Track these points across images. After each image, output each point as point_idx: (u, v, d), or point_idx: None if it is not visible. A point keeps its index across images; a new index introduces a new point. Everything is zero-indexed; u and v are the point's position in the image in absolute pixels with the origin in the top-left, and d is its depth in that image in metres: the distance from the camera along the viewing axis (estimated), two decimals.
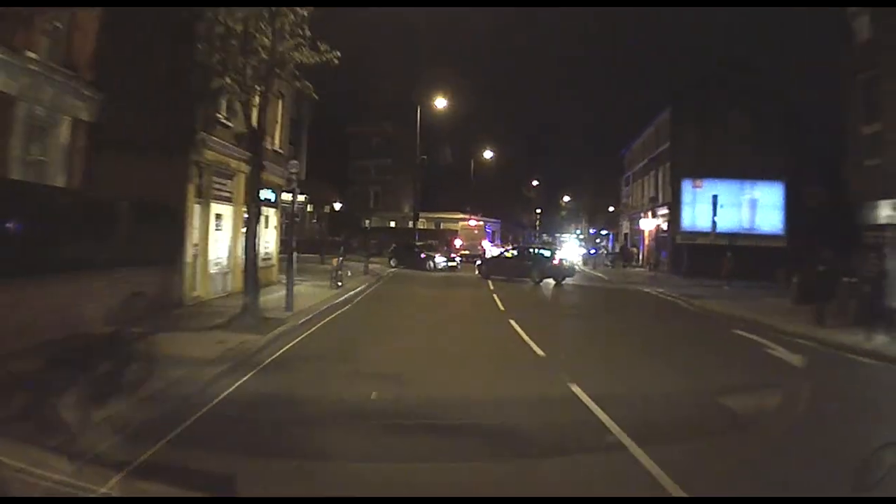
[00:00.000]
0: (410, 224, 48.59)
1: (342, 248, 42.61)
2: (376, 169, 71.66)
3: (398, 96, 55.00)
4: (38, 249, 9.47)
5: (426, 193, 64.90)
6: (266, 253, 21.56)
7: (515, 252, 31.42)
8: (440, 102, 40.73)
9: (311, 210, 48.91)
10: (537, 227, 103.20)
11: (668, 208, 39.58)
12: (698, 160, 37.56)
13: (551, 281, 28.55)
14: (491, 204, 73.78)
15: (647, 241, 46.41)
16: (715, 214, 31.12)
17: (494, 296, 21.91)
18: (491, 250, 50.29)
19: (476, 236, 48.51)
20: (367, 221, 68.79)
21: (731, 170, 36.24)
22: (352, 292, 20.26)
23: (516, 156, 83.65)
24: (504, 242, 65.72)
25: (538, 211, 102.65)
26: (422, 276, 31.61)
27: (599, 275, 36.82)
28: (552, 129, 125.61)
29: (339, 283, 21.10)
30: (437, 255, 34.67)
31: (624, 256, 45.30)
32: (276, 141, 22.22)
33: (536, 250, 31.66)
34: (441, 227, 66.16)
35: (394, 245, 38.25)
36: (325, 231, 51.57)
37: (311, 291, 19.43)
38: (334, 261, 21.51)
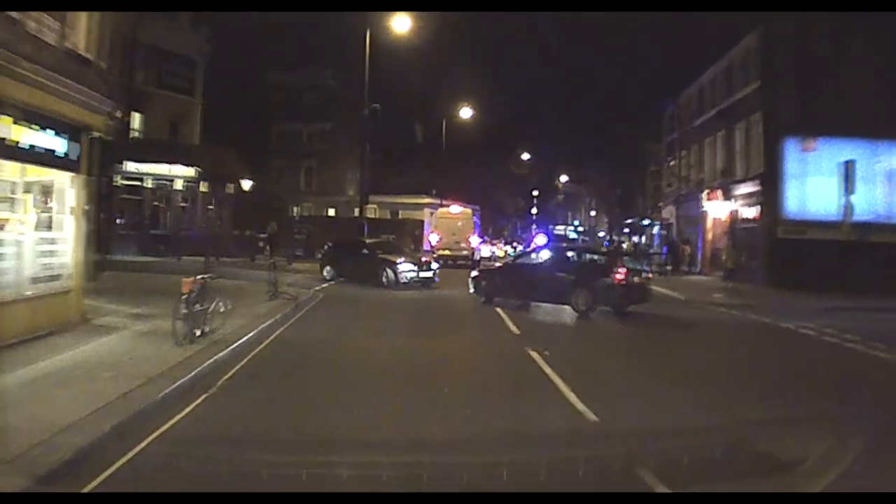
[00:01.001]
0: (357, 212, 42.31)
1: (266, 246, 32.88)
2: (311, 136, 64.85)
3: (344, 35, 46.89)
4: None
5: (380, 169, 58.74)
6: (45, 268, 12.61)
7: (543, 254, 23.15)
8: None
9: (206, 190, 40.14)
10: (533, 216, 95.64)
11: (759, 184, 31.88)
12: (804, 110, 30.47)
13: (604, 308, 20.16)
14: (467, 184, 67.12)
15: (708, 235, 39.51)
16: (850, 192, 24.81)
17: (548, 370, 11.51)
18: (482, 250, 44.30)
19: (460, 230, 41.19)
20: (297, 209, 61.33)
21: (856, 125, 28.93)
22: (214, 358, 11.21)
23: (499, 123, 76.05)
24: (492, 238, 58.29)
25: (535, 193, 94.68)
26: (374, 298, 23.43)
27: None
28: (547, 88, 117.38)
29: (198, 332, 12.32)
30: (399, 260, 26.18)
31: (672, 257, 38.04)
32: (80, 39, 13.18)
33: (580, 253, 23.50)
34: (400, 215, 60.91)
35: (329, 244, 29.65)
36: (227, 222, 42.98)
37: (113, 359, 10.63)
38: (188, 285, 12.21)
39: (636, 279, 20.77)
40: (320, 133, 63.67)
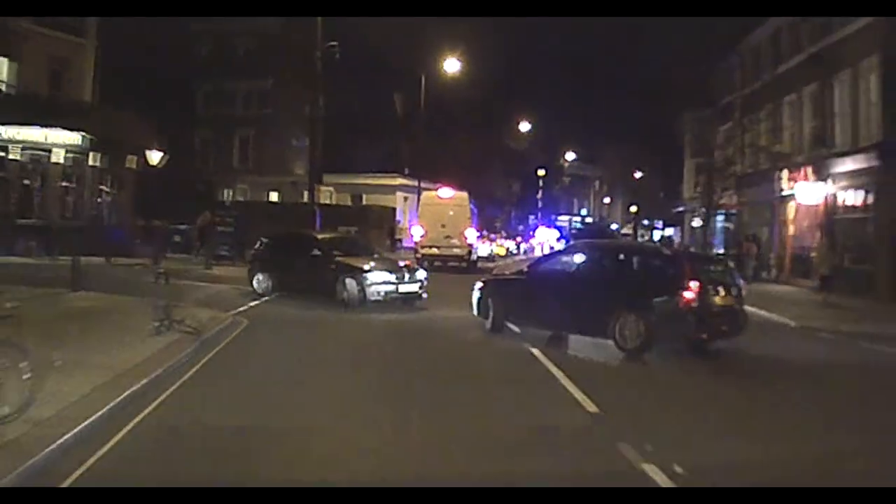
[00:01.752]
0: (306, 197, 38.30)
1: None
2: (247, 97, 59.76)
3: None
4: None
5: (341, 142, 56.02)
6: None
7: (579, 253, 17.97)
8: None
9: (97, 164, 34.93)
10: (538, 202, 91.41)
11: (873, 158, 28.06)
12: None
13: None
14: (449, 162, 63.38)
15: (788, 229, 36.35)
16: None
17: None
18: (479, 248, 40.97)
19: (453, 221, 36.62)
20: (229, 192, 56.68)
21: None
22: None
23: (492, 86, 71.07)
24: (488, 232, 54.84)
25: (541, 173, 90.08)
26: (329, 328, 18.32)
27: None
28: (550, 40, 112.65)
29: None
30: (367, 266, 21.07)
31: (740, 258, 35.07)
32: None
33: (625, 254, 18.13)
34: (365, 200, 58.39)
35: (262, 241, 24.71)
36: (128, 208, 38.10)
37: None
38: None
39: (720, 296, 15.64)
40: (259, 94, 59.14)
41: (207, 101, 60.14)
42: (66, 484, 6.91)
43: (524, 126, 78.69)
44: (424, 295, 21.60)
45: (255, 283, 22.93)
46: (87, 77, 37.29)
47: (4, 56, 33.44)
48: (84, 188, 35.31)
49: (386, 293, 20.70)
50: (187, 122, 56.27)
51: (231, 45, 59.02)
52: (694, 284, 14.64)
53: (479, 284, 18.77)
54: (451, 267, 34.91)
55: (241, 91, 59.81)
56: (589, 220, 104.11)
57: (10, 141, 32.59)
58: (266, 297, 21.79)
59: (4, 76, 33.68)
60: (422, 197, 40.98)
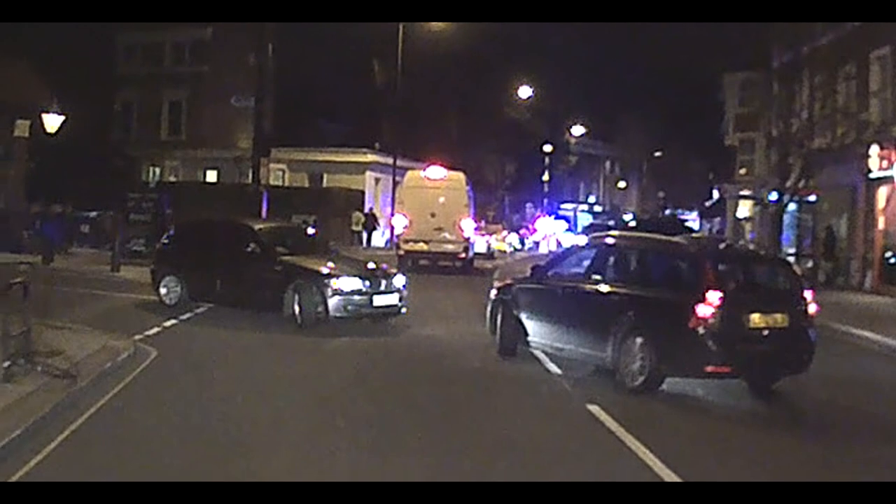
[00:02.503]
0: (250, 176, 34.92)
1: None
2: (178, 51, 56.91)
3: None
4: None
5: (296, 112, 53.39)
6: None
7: (593, 251, 15.78)
8: None
9: None
10: (545, 186, 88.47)
11: None
12: None
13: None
14: (428, 138, 61.16)
15: (877, 222, 33.95)
16: None
17: None
18: (476, 242, 39.07)
19: (445, 209, 34.29)
20: (154, 170, 53.54)
21: None
22: None
23: (483, 41, 67.76)
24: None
25: (547, 149, 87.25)
26: (276, 364, 15.14)
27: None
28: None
29: None
30: (324, 270, 18.18)
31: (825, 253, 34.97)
32: None
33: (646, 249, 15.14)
34: (326, 181, 55.96)
35: (171, 232, 22.34)
36: (16, 188, 34.87)
37: None
38: None
39: (763, 313, 12.96)
40: (194, 46, 55.98)
41: (132, 56, 57.31)
42: None
43: (524, 91, 75.47)
44: (404, 309, 18.74)
45: (161, 290, 19.90)
46: None
47: None
48: None
49: (356, 307, 17.73)
50: (107, 80, 53.49)
51: None
52: (713, 295, 12.23)
53: (493, 288, 17.24)
54: (442, 267, 33.26)
55: (170, 43, 56.90)
56: (598, 207, 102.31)
57: None
58: (184, 315, 18.55)
59: None
60: (405, 178, 38.02)
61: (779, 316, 12.83)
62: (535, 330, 15.02)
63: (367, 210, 51.79)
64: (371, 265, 19.70)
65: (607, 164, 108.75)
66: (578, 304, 14.46)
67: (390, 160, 52.65)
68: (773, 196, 38.60)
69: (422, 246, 33.92)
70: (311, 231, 25.59)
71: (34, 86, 32.76)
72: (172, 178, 53.73)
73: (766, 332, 12.80)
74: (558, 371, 14.13)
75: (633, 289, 13.62)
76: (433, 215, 33.91)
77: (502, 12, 31.54)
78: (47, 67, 34.99)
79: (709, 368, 12.43)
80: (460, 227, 34.22)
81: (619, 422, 10.80)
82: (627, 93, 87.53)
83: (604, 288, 14.04)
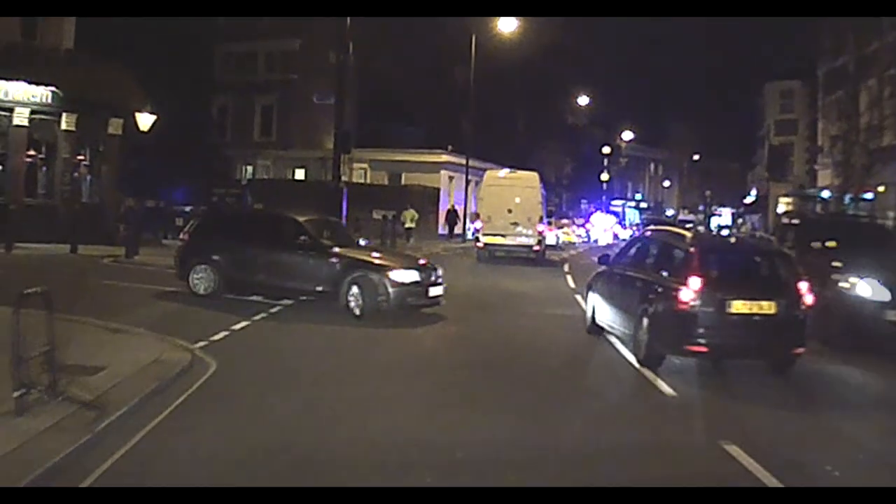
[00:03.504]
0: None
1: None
2: (270, 59, 53.22)
3: None
4: None
5: (377, 115, 51.87)
6: None
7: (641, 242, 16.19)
8: None
9: (71, 128, 28.64)
10: (603, 184, 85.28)
11: None
12: None
13: None
14: (499, 141, 58.24)
15: None
16: None
17: None
18: (548, 237, 37.80)
19: (521, 207, 32.84)
20: (247, 168, 50.77)
21: None
22: None
23: (544, 55, 64.41)
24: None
25: (606, 151, 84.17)
26: (363, 364, 12.49)
27: None
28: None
29: None
30: (387, 264, 16.23)
31: None
32: None
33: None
34: (404, 179, 52.28)
35: (200, 218, 20.00)
36: (109, 183, 31.02)
37: None
38: None
39: (750, 300, 12.49)
40: (283, 56, 52.79)
41: (228, 65, 54.10)
42: None
43: (583, 100, 72.77)
44: (443, 300, 16.70)
45: (192, 279, 16.80)
46: (67, 25, 30.67)
47: None
48: (55, 158, 28.74)
49: (414, 298, 15.86)
50: (204, 87, 50.52)
51: None
52: (695, 281, 12.17)
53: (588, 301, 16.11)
54: (517, 257, 32.05)
55: (263, 52, 53.86)
56: (644, 204, 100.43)
57: None
58: (260, 315, 15.13)
59: None
60: (485, 177, 36.02)
61: (765, 304, 12.34)
62: (600, 310, 15.10)
63: (449, 207, 48.77)
64: (421, 260, 17.60)
65: (652, 165, 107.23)
66: (621, 289, 14.52)
67: (463, 160, 49.93)
68: (825, 193, 35.17)
69: (499, 239, 32.59)
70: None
71: (130, 89, 29.65)
72: (264, 176, 50.69)
73: (750, 318, 12.32)
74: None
75: (649, 275, 13.71)
76: (510, 211, 32.63)
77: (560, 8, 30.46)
78: (151, 75, 31.82)
79: (689, 347, 12.38)
80: (535, 224, 32.95)
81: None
82: (671, 102, 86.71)
83: (633, 274, 14.26)
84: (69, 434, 7.24)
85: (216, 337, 12.50)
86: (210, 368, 10.50)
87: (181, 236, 17.50)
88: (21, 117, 27.33)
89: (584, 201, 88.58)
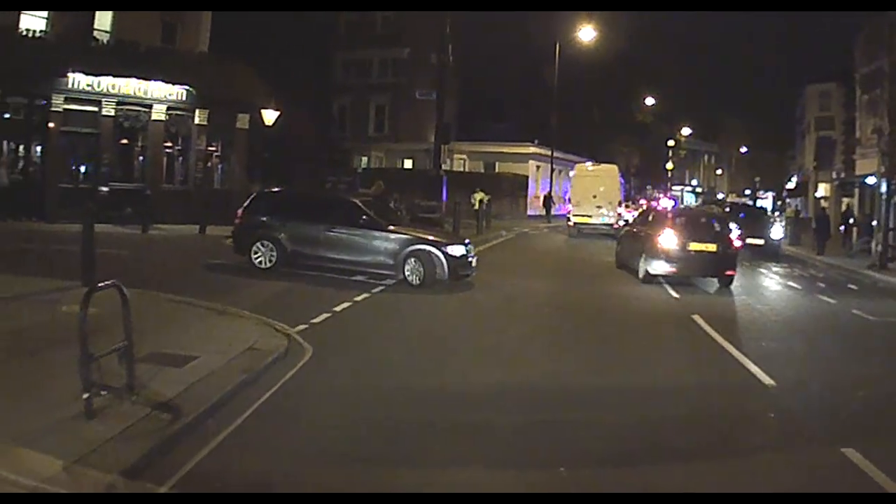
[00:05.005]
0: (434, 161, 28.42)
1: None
2: (383, 65, 50.47)
3: None
4: None
5: (473, 111, 48.97)
6: None
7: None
8: None
9: (203, 123, 26.66)
10: (668, 174, 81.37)
11: None
12: None
13: None
14: (578, 135, 54.39)
15: None
16: None
17: None
18: (627, 216, 36.53)
19: (603, 194, 33.50)
20: (364, 159, 48.84)
21: None
22: None
23: (616, 58, 60.30)
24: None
25: (671, 143, 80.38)
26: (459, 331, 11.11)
27: None
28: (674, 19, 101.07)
29: None
30: (443, 240, 15.30)
31: None
32: None
33: None
34: (496, 168, 49.60)
35: (258, 195, 16.92)
36: (237, 172, 28.40)
37: None
38: None
39: (699, 243, 16.87)
40: (394, 62, 49.16)
41: (347, 70, 51.05)
42: None
43: (649, 100, 68.62)
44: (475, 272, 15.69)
45: (254, 254, 14.96)
46: (203, 30, 28.89)
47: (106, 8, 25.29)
48: (189, 149, 26.37)
49: (464, 268, 15.11)
50: (326, 90, 48.42)
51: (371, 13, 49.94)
52: (667, 231, 16.64)
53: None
54: (601, 232, 32.25)
55: (376, 59, 50.35)
56: (699, 189, 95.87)
57: (105, 94, 23.50)
58: (363, 294, 12.78)
59: (108, 27, 25.28)
60: (575, 169, 36.28)
61: (710, 245, 16.50)
62: (623, 254, 19.71)
63: (547, 193, 45.79)
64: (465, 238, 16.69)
65: (706, 156, 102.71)
66: (632, 241, 18.97)
67: (548, 151, 46.68)
68: (871, 180, 31.87)
69: (586, 219, 33.18)
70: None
71: (256, 88, 27.66)
72: (376, 166, 48.55)
73: (701, 253, 16.40)
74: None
75: (646, 231, 17.75)
76: (595, 197, 33.19)
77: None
78: (282, 79, 29.77)
79: (664, 272, 16.50)
80: (615, 206, 34.03)
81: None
82: (723, 102, 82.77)
83: (637, 231, 19.04)
84: (132, 444, 5.26)
85: (317, 320, 10.24)
86: (306, 355, 8.26)
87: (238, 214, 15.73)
88: (159, 113, 24.83)
89: (649, 187, 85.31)
